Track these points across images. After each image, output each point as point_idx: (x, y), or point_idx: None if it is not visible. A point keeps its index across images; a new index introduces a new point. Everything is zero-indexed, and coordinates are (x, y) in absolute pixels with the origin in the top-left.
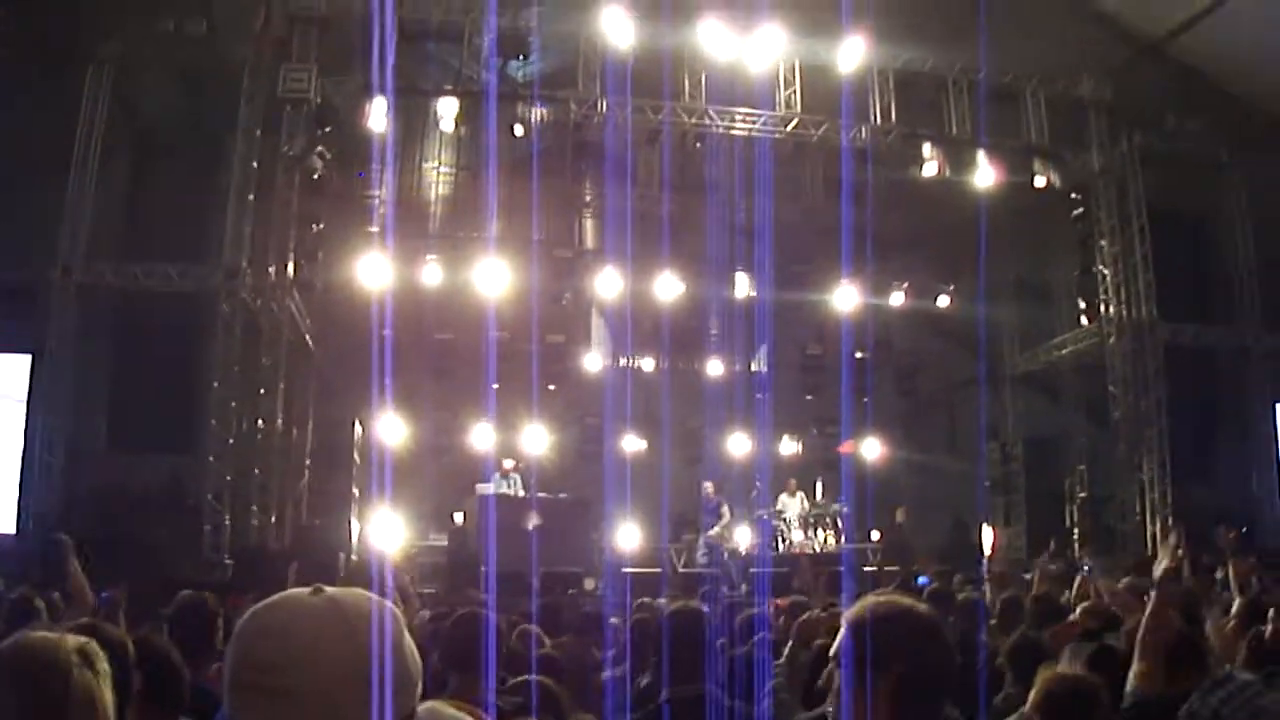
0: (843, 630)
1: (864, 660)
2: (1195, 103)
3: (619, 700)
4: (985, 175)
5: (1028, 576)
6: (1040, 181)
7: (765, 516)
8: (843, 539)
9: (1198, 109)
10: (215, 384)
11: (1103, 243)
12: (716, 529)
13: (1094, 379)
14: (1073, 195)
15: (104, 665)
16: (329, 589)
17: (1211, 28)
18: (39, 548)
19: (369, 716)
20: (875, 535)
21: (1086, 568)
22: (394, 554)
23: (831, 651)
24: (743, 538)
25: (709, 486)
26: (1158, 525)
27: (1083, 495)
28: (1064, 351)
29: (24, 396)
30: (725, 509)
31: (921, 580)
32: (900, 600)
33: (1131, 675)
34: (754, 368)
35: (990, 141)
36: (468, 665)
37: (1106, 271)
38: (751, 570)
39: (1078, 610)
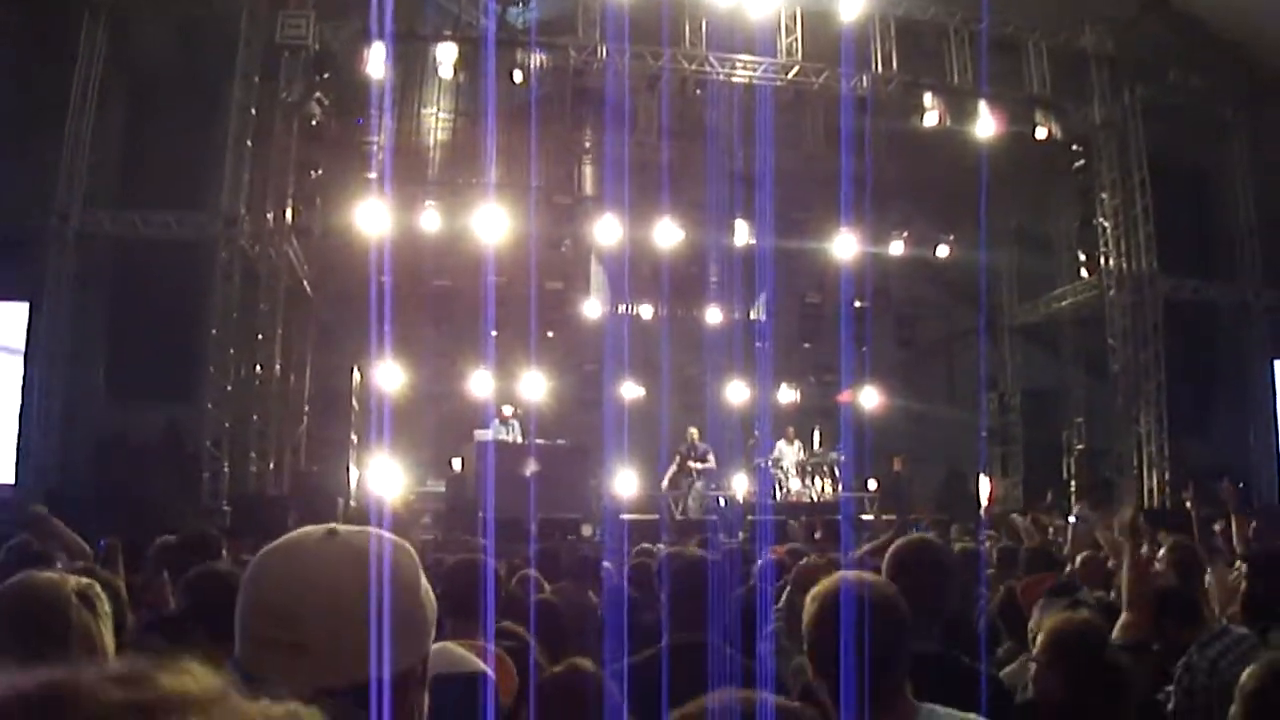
0: (812, 606)
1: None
2: (1199, 57)
3: (616, 644)
4: (986, 125)
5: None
6: (1041, 133)
7: (764, 465)
8: (840, 487)
9: (1201, 63)
10: (214, 331)
11: (1103, 195)
12: (699, 466)
13: (1093, 331)
14: (1074, 147)
15: (105, 607)
16: (344, 529)
17: None
18: (45, 494)
19: (389, 660)
20: (873, 484)
21: (1074, 518)
22: (394, 500)
23: (805, 634)
24: (740, 485)
25: (693, 432)
26: (1154, 479)
27: (1080, 447)
28: (1064, 303)
29: (21, 345)
30: (711, 456)
31: (918, 530)
32: (863, 577)
33: (1119, 625)
34: (753, 315)
35: (991, 92)
36: (466, 611)
37: (1107, 224)
38: (750, 518)
39: (1077, 561)
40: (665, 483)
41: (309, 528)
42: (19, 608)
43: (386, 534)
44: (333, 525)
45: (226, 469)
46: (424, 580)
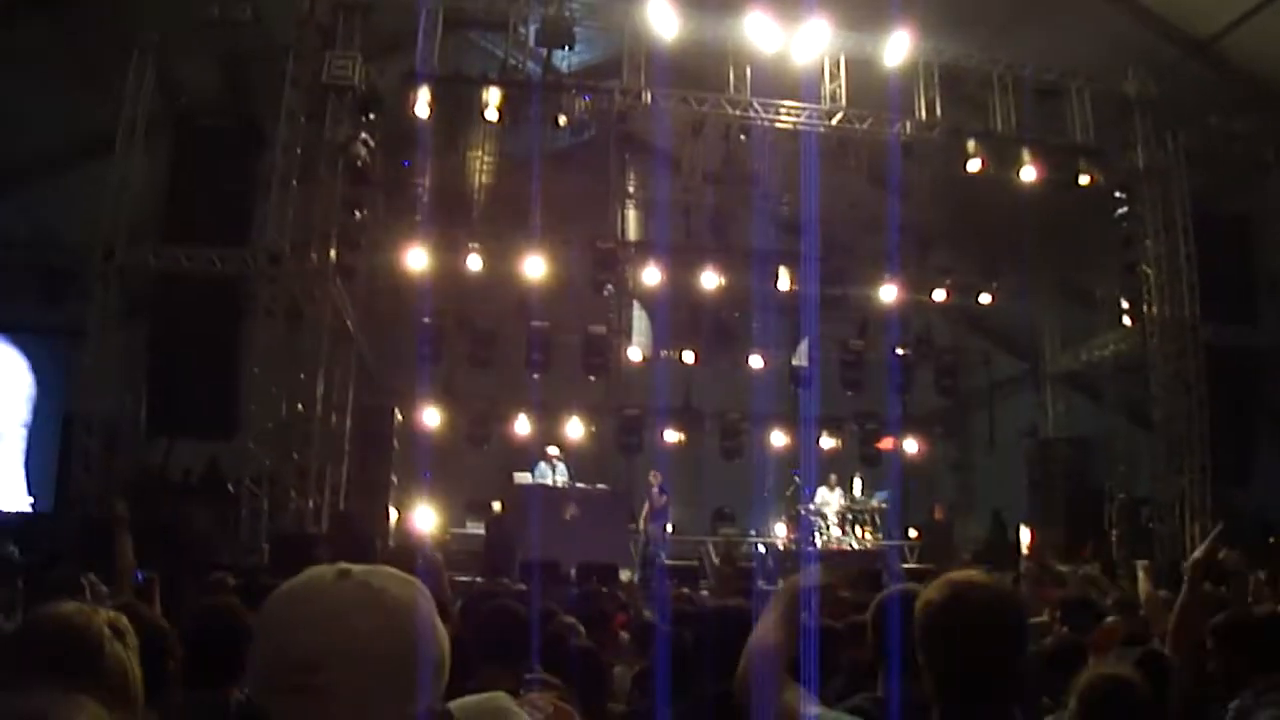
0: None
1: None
2: (1241, 101)
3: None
4: (1029, 172)
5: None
6: (1084, 179)
7: (805, 512)
8: (880, 535)
9: (1244, 107)
10: (255, 369)
11: (1147, 242)
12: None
13: (1136, 379)
14: (1117, 194)
15: (134, 640)
16: (356, 569)
17: (1260, 26)
18: (83, 523)
19: (411, 702)
20: (914, 533)
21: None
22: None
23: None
24: (779, 532)
25: (654, 475)
26: (1197, 528)
27: (1122, 496)
28: (1106, 351)
29: (64, 379)
30: (664, 497)
31: None
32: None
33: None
34: (795, 362)
35: (1034, 138)
36: (503, 657)
37: (1150, 271)
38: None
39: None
40: (641, 523)
41: (320, 568)
42: (52, 638)
43: (396, 571)
44: (345, 566)
45: (266, 507)
46: (437, 619)
